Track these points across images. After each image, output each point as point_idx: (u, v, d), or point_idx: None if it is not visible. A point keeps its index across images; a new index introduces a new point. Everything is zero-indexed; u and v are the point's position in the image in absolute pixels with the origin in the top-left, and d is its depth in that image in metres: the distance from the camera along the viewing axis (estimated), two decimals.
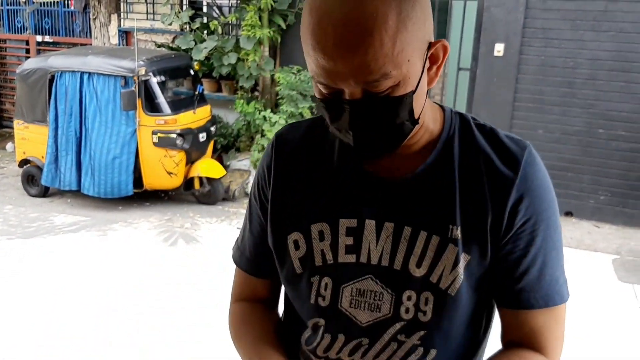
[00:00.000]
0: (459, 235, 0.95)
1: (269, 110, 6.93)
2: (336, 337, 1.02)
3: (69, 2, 9.17)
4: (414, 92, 0.88)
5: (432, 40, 0.91)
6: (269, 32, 6.93)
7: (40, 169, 6.62)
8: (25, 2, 9.36)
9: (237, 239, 1.20)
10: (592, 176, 6.25)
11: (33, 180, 6.77)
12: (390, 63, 0.82)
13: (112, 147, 6.22)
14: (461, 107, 7.05)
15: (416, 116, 0.91)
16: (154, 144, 6.20)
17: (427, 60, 0.90)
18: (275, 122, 6.72)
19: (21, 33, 9.68)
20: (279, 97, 7.10)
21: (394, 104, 0.87)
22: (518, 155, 0.97)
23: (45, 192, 6.76)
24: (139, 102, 6.06)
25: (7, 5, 9.67)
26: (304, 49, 0.88)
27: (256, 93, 7.47)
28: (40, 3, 9.28)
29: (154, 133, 6.17)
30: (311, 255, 1.02)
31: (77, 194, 6.58)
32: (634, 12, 5.84)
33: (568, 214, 6.44)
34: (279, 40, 7.21)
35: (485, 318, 1.06)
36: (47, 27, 9.46)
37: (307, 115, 6.86)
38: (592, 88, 6.12)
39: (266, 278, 1.16)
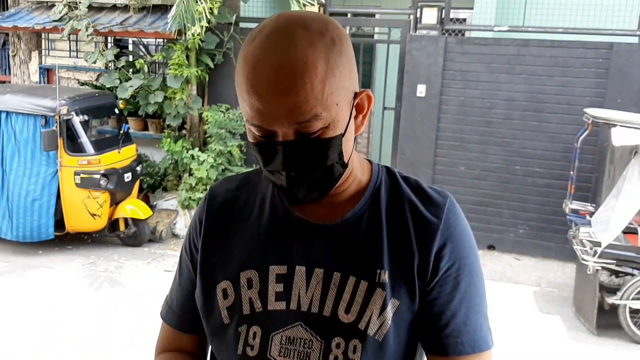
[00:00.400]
0: (387, 280, 0.97)
1: (197, 149, 6.87)
2: None
3: None
4: (342, 135, 0.93)
5: (358, 90, 0.97)
6: (197, 71, 6.92)
7: None
8: None
9: (166, 296, 1.19)
10: (511, 210, 6.54)
11: None
12: (320, 105, 0.87)
13: (32, 188, 5.97)
14: (387, 145, 7.25)
15: (345, 160, 0.95)
16: (77, 184, 5.99)
17: (354, 109, 0.95)
18: (204, 160, 6.67)
19: None
20: (207, 135, 7.06)
21: (324, 145, 0.91)
22: (441, 204, 1.01)
23: None
24: (60, 142, 5.87)
25: None
26: (239, 95, 0.92)
27: (184, 131, 7.40)
28: None
29: (76, 174, 5.97)
30: (239, 304, 1.01)
31: None
32: (543, 56, 6.25)
33: (490, 247, 6.68)
34: (207, 78, 7.21)
35: None
36: None
37: (236, 153, 6.85)
38: (508, 127, 6.45)
39: (194, 333, 1.13)
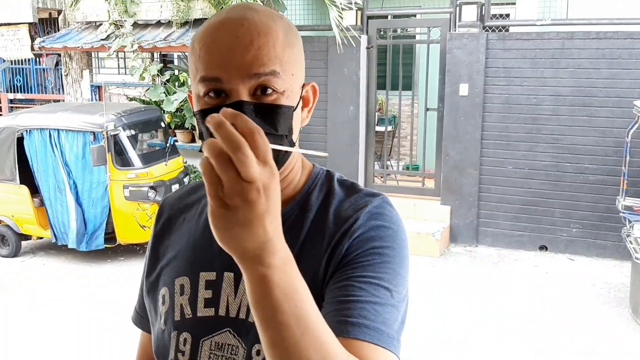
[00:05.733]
0: None
1: None
2: None
3: (41, 59, 9.24)
4: (294, 109, 0.93)
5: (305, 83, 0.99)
6: None
7: (10, 228, 6.54)
8: None
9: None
10: (563, 209, 6.33)
11: (4, 240, 6.68)
12: (279, 64, 0.90)
13: (84, 202, 6.19)
14: (431, 147, 7.15)
15: (294, 139, 0.94)
16: (126, 197, 6.17)
17: (301, 100, 0.96)
18: None
19: None
20: None
21: (277, 110, 0.90)
22: (367, 203, 0.97)
23: (16, 252, 6.66)
24: (109, 157, 6.06)
25: None
26: (194, 57, 0.91)
27: None
28: (11, 61, 9.33)
29: (125, 187, 6.15)
30: (172, 310, 1.02)
31: (49, 253, 6.49)
32: (589, 48, 6.03)
33: (542, 248, 6.48)
34: None
35: None
36: (19, 85, 9.49)
37: None
38: (556, 123, 6.25)
39: (147, 331, 1.17)
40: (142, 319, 1.17)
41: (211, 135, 0.86)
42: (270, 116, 0.90)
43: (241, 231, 0.66)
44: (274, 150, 0.84)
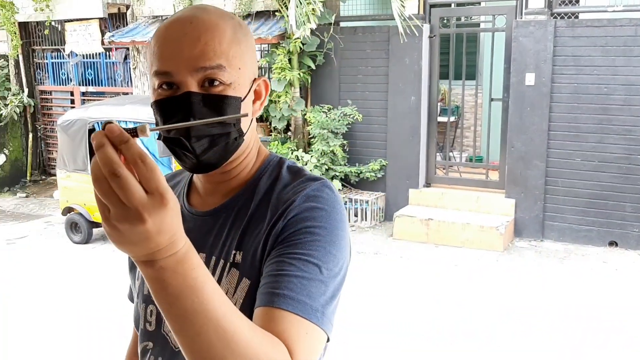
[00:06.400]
0: (240, 260, 1.01)
1: (301, 150, 7.01)
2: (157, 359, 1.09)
3: (111, 53, 9.56)
4: (242, 100, 0.99)
5: (257, 77, 1.06)
6: (299, 74, 7.06)
7: (82, 216, 6.83)
8: (68, 55, 9.80)
9: None
10: (634, 204, 6.05)
11: (76, 227, 6.99)
12: (225, 59, 0.96)
13: None
14: (495, 138, 6.98)
15: (243, 129, 1.01)
16: None
17: (253, 93, 1.03)
18: (307, 161, 6.78)
19: (66, 84, 10.12)
20: (310, 136, 7.18)
21: (223, 100, 0.97)
22: (306, 187, 1.00)
23: (88, 239, 6.95)
24: None
25: (52, 58, 10.15)
26: (150, 55, 0.99)
27: (289, 133, 7.57)
28: (83, 55, 9.70)
29: None
30: (143, 285, 1.13)
31: None
32: None
33: (612, 243, 6.24)
34: (309, 80, 7.32)
35: None
36: (90, 78, 9.86)
37: (339, 152, 6.91)
38: (628, 113, 5.98)
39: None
40: (131, 294, 1.27)
41: (165, 117, 0.97)
42: (218, 106, 0.97)
43: (131, 246, 0.69)
44: (223, 138, 0.97)
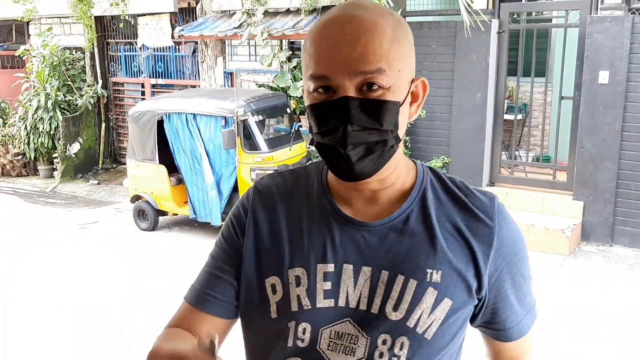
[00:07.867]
0: (439, 279, 0.99)
1: None
2: None
3: (180, 47, 9.82)
4: (401, 104, 0.95)
5: (415, 77, 1.00)
6: None
7: (149, 204, 7.06)
8: (140, 48, 10.13)
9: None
10: None
11: (144, 214, 7.23)
12: (385, 62, 0.92)
13: (215, 182, 6.55)
14: (564, 138, 6.76)
15: (400, 134, 0.96)
16: (252, 180, 6.43)
17: (410, 95, 0.98)
18: None
19: (137, 77, 10.48)
20: None
21: (383, 106, 0.93)
22: (490, 205, 1.05)
23: (154, 226, 7.19)
24: (238, 141, 6.34)
25: (125, 51, 10.53)
26: (306, 55, 0.96)
27: None
28: (154, 49, 10.01)
29: (252, 170, 6.41)
30: (287, 300, 1.02)
31: (183, 229, 6.94)
32: None
33: None
34: None
35: (456, 358, 1.10)
36: (160, 71, 10.17)
37: (402, 148, 6.84)
38: None
39: (208, 313, 1.09)
40: (212, 300, 1.09)
41: (319, 129, 0.95)
42: (376, 111, 0.93)
43: None
44: (379, 145, 0.94)
